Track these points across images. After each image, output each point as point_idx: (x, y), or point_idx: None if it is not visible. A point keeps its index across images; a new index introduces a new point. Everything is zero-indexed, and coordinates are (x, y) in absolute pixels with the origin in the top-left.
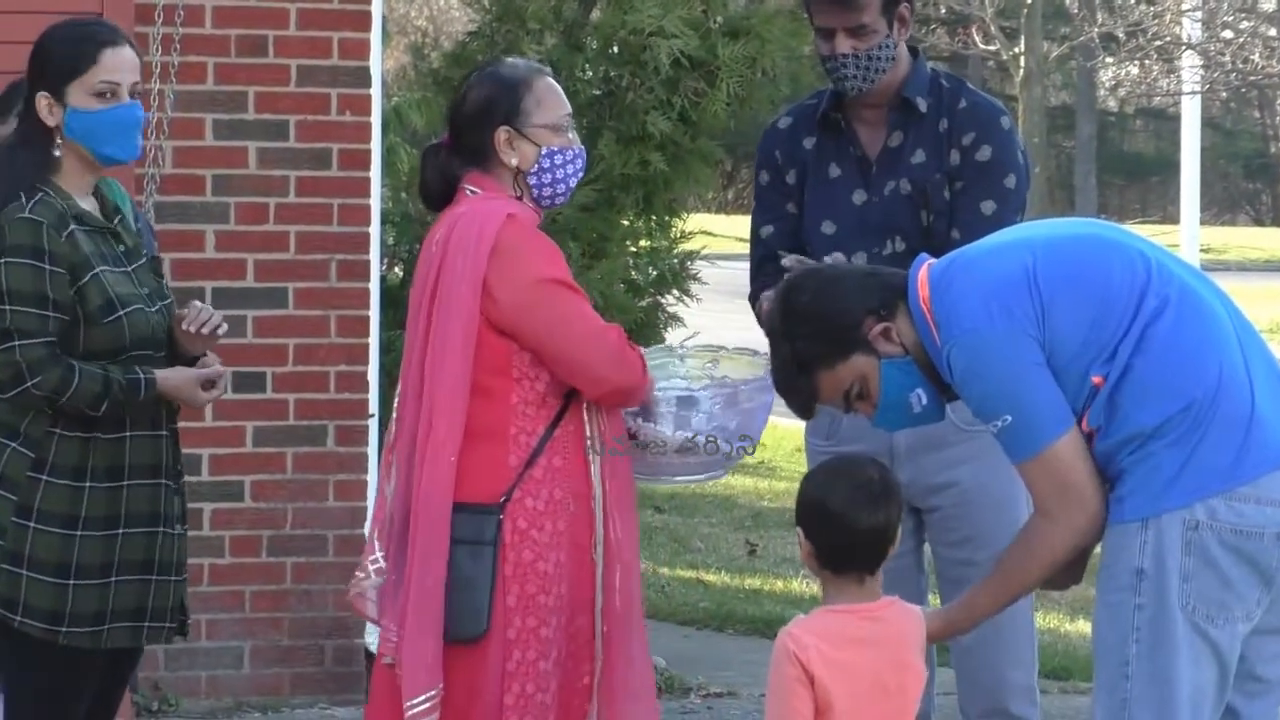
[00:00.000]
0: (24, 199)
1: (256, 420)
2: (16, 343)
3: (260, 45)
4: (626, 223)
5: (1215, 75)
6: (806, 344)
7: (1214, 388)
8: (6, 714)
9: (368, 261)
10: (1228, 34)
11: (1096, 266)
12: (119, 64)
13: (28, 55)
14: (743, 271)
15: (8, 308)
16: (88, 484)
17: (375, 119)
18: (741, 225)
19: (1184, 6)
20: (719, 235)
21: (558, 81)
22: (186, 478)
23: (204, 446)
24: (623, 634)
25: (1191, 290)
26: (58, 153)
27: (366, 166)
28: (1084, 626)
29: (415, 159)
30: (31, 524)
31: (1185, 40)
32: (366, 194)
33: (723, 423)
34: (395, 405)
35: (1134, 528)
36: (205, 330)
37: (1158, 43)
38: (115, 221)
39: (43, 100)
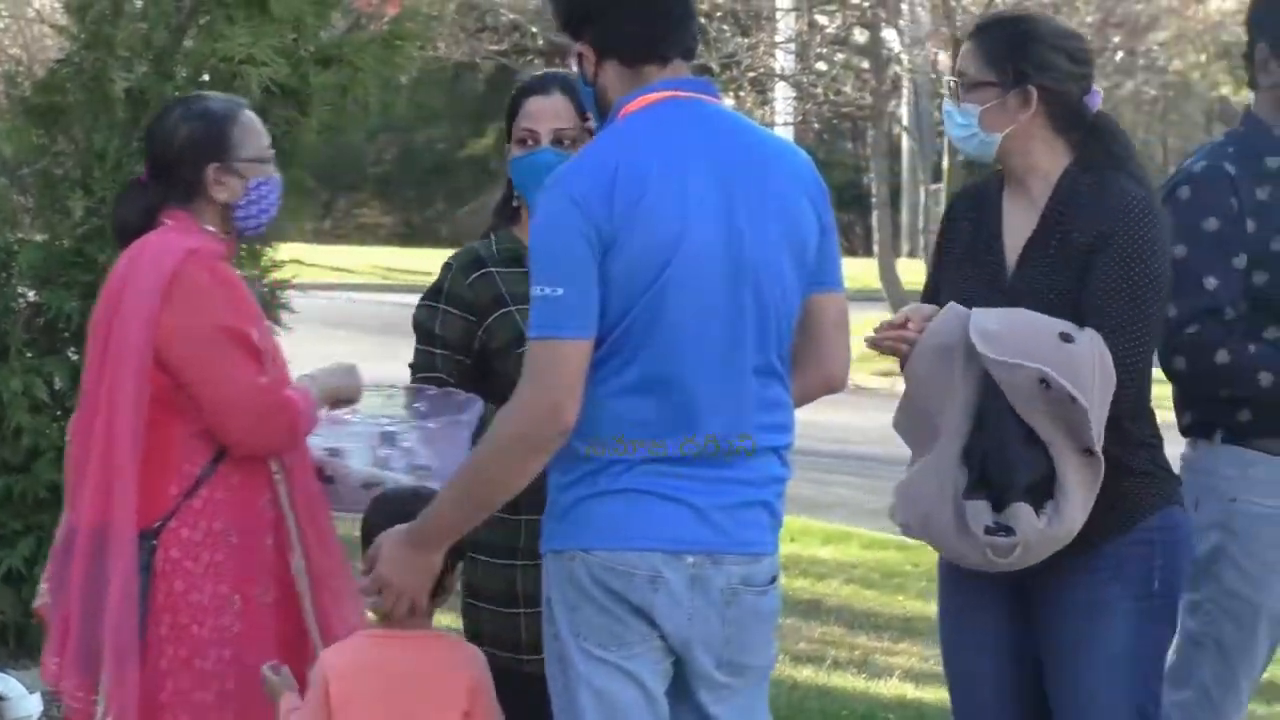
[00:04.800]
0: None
1: None
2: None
3: None
4: None
5: (809, 107)
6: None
7: (613, 459)
8: None
9: None
10: (821, 65)
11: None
12: (539, 112)
13: None
14: (335, 301)
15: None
16: None
17: None
18: (336, 255)
19: (778, 39)
20: (311, 265)
21: (147, 112)
22: None
23: None
24: None
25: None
26: (515, 203)
27: None
28: None
29: (4, 188)
30: None
31: (779, 72)
32: None
33: (423, 461)
34: (70, 422)
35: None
36: None
37: (751, 74)
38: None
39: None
